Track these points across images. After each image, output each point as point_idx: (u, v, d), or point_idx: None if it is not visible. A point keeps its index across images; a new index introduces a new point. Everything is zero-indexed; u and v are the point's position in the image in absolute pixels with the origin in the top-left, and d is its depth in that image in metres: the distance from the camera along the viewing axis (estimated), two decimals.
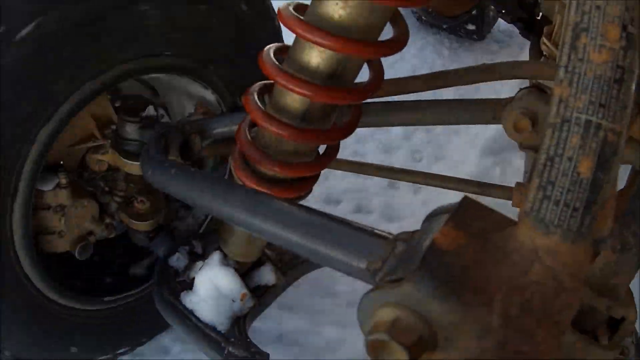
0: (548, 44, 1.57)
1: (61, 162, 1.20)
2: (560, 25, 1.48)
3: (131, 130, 1.18)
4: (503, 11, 2.18)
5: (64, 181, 1.17)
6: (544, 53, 1.65)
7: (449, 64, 2.60)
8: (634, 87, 0.50)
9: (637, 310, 0.74)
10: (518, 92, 0.90)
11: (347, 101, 0.89)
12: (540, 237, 0.49)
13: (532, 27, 2.09)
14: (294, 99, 0.86)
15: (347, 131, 0.93)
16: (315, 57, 0.82)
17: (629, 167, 0.94)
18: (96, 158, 1.24)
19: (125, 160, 1.20)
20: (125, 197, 1.28)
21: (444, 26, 3.15)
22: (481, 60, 2.56)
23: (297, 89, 0.83)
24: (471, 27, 3.06)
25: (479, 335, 0.48)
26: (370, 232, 0.66)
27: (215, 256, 1.11)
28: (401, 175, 1.25)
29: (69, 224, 1.19)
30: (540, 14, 2.04)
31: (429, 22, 2.75)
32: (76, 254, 1.21)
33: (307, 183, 0.98)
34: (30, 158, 1.00)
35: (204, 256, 1.15)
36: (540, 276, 0.49)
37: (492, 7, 2.78)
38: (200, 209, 0.83)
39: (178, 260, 1.15)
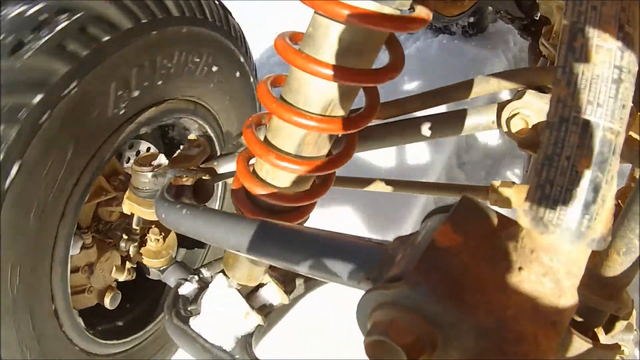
0: (546, 44, 1.57)
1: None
2: (559, 25, 1.49)
3: (145, 180, 1.22)
4: (502, 12, 2.18)
5: (89, 241, 1.22)
6: (543, 53, 1.66)
7: None
8: (632, 86, 0.50)
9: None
10: (517, 92, 0.90)
11: (344, 131, 0.85)
12: (539, 236, 0.49)
13: (531, 28, 2.09)
14: (290, 129, 0.85)
15: (344, 159, 0.92)
16: (311, 85, 0.80)
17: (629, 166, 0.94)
18: (109, 210, 1.29)
19: (144, 209, 1.23)
20: (141, 239, 1.33)
21: (439, 26, 3.13)
22: None
23: (292, 121, 0.81)
24: (469, 29, 3.06)
25: (477, 336, 0.48)
26: (366, 241, 0.65)
27: (218, 279, 1.13)
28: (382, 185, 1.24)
29: (96, 279, 1.25)
30: (539, 14, 2.05)
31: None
32: (107, 305, 1.28)
33: (304, 210, 0.99)
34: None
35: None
36: (538, 275, 0.49)
37: (490, 8, 2.78)
38: (212, 244, 0.85)
39: (188, 289, 1.19)
